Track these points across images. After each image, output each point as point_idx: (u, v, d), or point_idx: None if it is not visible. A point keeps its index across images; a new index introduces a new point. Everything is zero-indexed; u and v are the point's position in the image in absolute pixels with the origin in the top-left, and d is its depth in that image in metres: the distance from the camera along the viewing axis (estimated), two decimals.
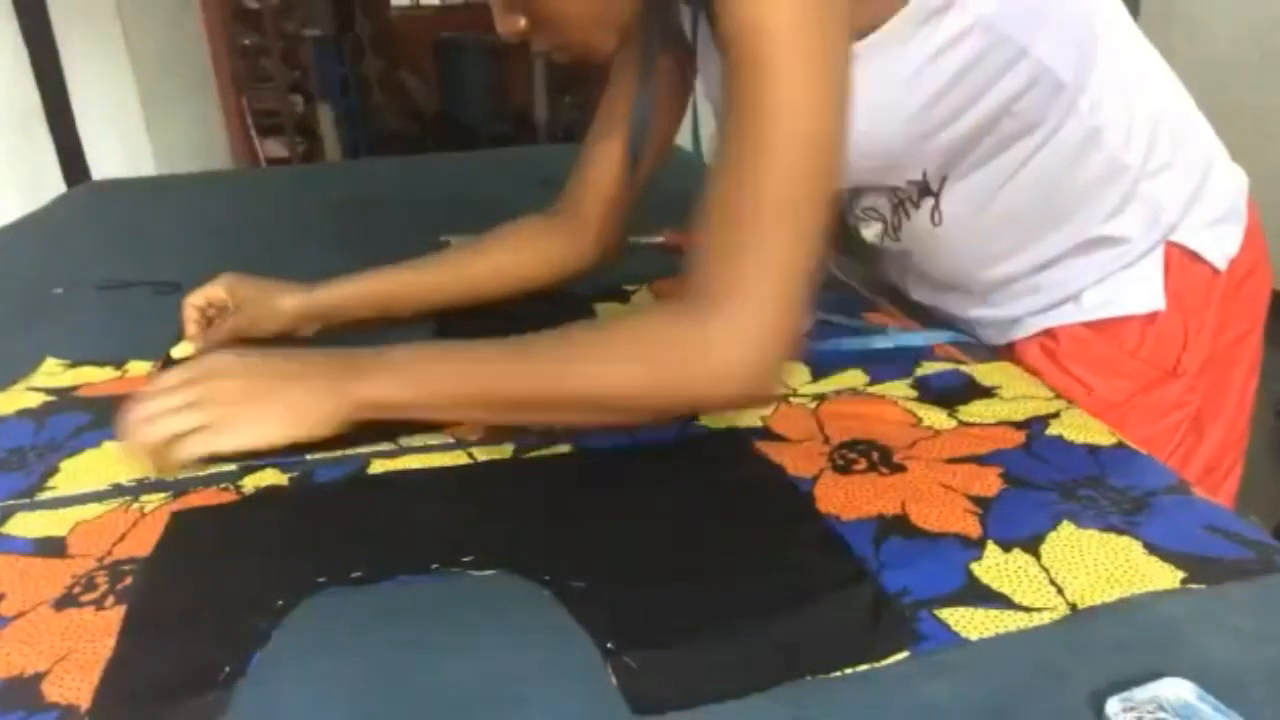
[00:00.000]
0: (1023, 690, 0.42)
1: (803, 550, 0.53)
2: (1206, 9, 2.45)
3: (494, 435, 0.67)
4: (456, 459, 0.65)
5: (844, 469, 0.61)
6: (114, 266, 1.13)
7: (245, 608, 0.49)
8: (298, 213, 1.43)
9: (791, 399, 0.71)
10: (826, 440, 0.65)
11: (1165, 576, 0.49)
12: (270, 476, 0.63)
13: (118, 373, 0.82)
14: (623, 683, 0.43)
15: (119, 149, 2.90)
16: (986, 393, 0.71)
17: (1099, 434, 0.64)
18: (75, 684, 0.45)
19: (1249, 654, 0.44)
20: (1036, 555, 0.52)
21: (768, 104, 0.54)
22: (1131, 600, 0.48)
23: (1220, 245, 0.74)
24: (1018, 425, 0.66)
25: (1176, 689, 0.40)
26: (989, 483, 0.59)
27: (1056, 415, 0.67)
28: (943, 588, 0.49)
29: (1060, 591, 0.48)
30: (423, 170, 1.82)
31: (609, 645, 0.46)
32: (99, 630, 0.48)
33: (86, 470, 0.65)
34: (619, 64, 0.80)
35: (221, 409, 0.61)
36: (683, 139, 0.97)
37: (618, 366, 0.58)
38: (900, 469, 0.61)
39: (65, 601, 0.51)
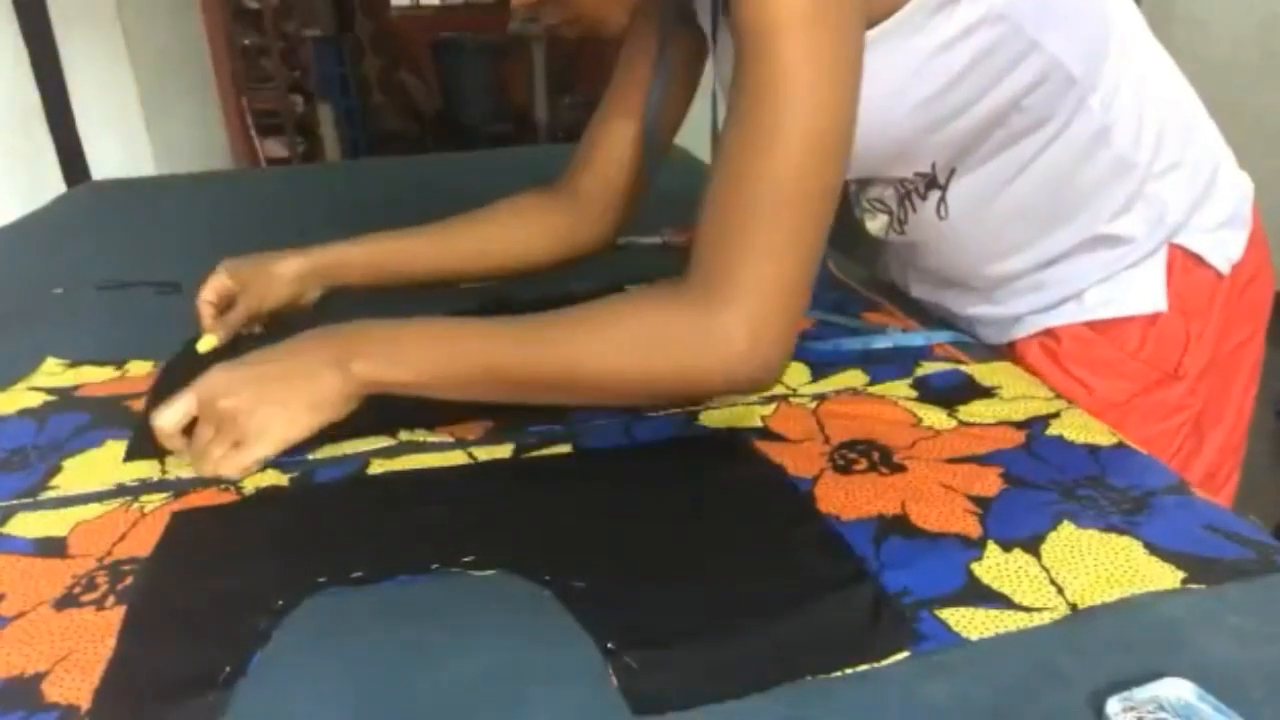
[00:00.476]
0: (1023, 690, 0.42)
1: (803, 550, 0.53)
2: (1206, 9, 2.45)
3: (494, 434, 0.67)
4: (456, 459, 0.65)
5: (844, 469, 0.61)
6: (114, 266, 1.13)
7: (245, 608, 0.49)
8: (298, 213, 1.43)
9: (791, 399, 0.71)
10: (827, 440, 0.65)
11: (1165, 576, 0.49)
12: (270, 476, 0.63)
13: (118, 372, 0.82)
14: (623, 683, 0.43)
15: (119, 149, 2.90)
16: (986, 393, 0.71)
17: (1099, 434, 0.64)
18: (75, 684, 0.45)
19: (1249, 654, 0.44)
20: (1037, 555, 0.52)
21: (775, 97, 0.55)
22: (1132, 600, 0.48)
23: (1224, 249, 0.74)
24: (1018, 425, 0.66)
25: (1177, 689, 0.40)
26: (989, 483, 0.59)
27: (1057, 415, 0.67)
28: (943, 588, 0.49)
29: (1060, 591, 0.49)
30: (423, 170, 1.82)
31: (609, 645, 0.46)
32: (99, 630, 0.48)
33: (88, 470, 0.65)
34: (629, 50, 0.81)
35: (243, 423, 0.60)
36: (687, 141, 0.97)
37: (625, 352, 0.59)
38: (900, 469, 0.61)
39: (66, 601, 0.51)
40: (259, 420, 0.60)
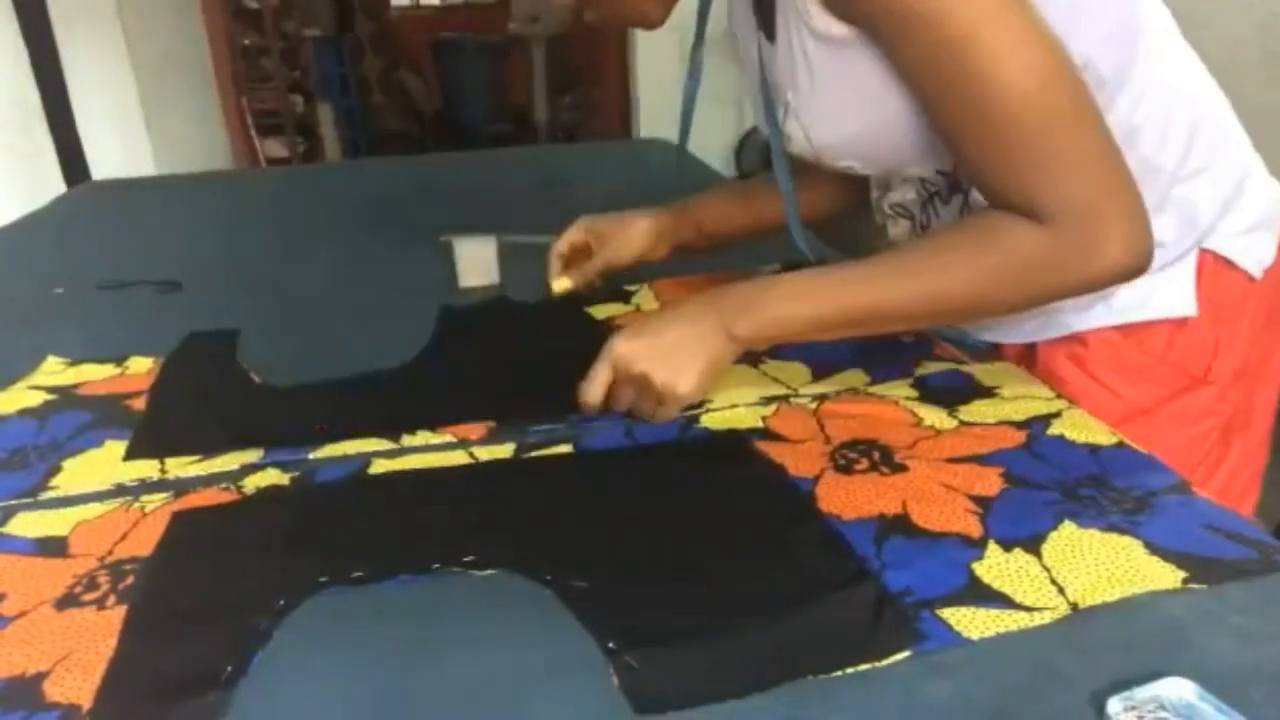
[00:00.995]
0: (1024, 690, 0.42)
1: (804, 550, 0.53)
2: (1207, 9, 2.45)
3: (495, 434, 0.67)
4: (457, 459, 0.65)
5: (845, 469, 0.61)
6: (114, 266, 1.13)
7: (246, 608, 0.49)
8: (298, 213, 1.43)
9: (792, 399, 0.71)
10: (827, 440, 0.65)
11: (1166, 576, 0.49)
12: (271, 476, 0.63)
13: (118, 369, 0.82)
14: (624, 682, 0.43)
15: (119, 149, 2.90)
16: (987, 392, 0.71)
17: (1100, 434, 0.64)
18: (76, 684, 0.45)
19: (1249, 654, 0.44)
20: (1038, 555, 0.52)
21: (964, 40, 0.57)
22: (1132, 600, 0.48)
23: (1255, 253, 0.72)
24: (1019, 425, 0.66)
25: (1177, 688, 0.40)
26: (990, 482, 0.59)
27: (1057, 415, 0.67)
28: (944, 587, 0.49)
29: (1061, 591, 0.48)
30: (423, 170, 1.82)
31: (611, 645, 0.46)
32: (100, 630, 0.48)
33: (88, 470, 0.65)
34: None
35: (655, 384, 0.66)
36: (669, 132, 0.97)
37: (1003, 289, 0.63)
38: (901, 469, 0.61)
39: (66, 601, 0.51)
40: (665, 380, 0.66)
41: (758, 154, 3.63)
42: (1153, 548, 0.51)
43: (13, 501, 0.61)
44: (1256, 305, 0.73)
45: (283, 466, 0.64)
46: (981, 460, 0.62)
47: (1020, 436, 0.64)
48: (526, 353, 0.83)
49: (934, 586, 0.49)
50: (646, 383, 0.66)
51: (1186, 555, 0.51)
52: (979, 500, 0.57)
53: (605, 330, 0.84)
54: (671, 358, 0.66)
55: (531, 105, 5.14)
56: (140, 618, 0.49)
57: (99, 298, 1.04)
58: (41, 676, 0.45)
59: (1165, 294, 0.71)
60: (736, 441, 0.66)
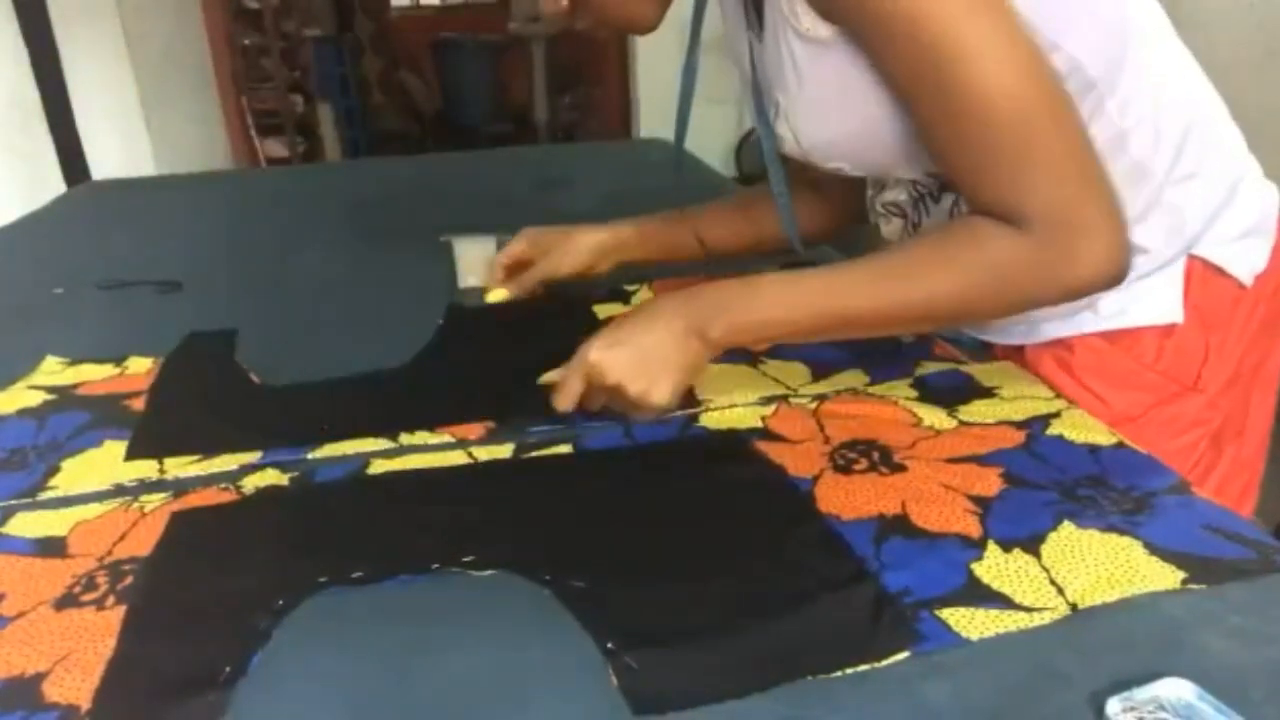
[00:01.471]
0: (1023, 690, 0.42)
1: (803, 550, 0.53)
2: (1207, 9, 2.45)
3: (494, 434, 0.67)
4: (456, 459, 0.65)
5: (844, 469, 0.61)
6: (114, 266, 1.13)
7: (245, 608, 0.49)
8: (298, 213, 1.43)
9: (791, 399, 0.71)
10: (827, 440, 0.65)
11: (1166, 577, 0.49)
12: (270, 476, 0.63)
13: (118, 369, 0.82)
14: (623, 683, 0.43)
15: (119, 149, 2.90)
16: (987, 393, 0.71)
17: (1099, 434, 0.64)
18: (76, 684, 0.45)
19: (1249, 654, 0.44)
20: (1037, 555, 0.52)
21: (948, 52, 0.56)
22: (1132, 600, 0.48)
23: (1246, 260, 0.72)
24: (1018, 425, 0.66)
25: (1177, 689, 0.40)
26: (989, 482, 0.59)
27: (1057, 415, 0.67)
28: (943, 588, 0.49)
29: (1061, 591, 0.48)
30: (423, 170, 1.82)
31: (610, 645, 0.46)
32: (99, 630, 0.48)
33: (87, 470, 0.65)
34: None
35: (629, 393, 0.65)
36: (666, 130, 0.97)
37: (980, 293, 0.62)
38: (901, 469, 0.61)
39: (66, 601, 0.51)
40: (639, 391, 0.65)
41: (758, 154, 3.63)
42: (1152, 548, 0.51)
43: (12, 502, 0.61)
44: (1249, 312, 0.73)
45: (282, 466, 0.64)
46: (981, 460, 0.62)
47: (1020, 437, 0.64)
48: (526, 353, 0.83)
49: (933, 587, 0.49)
50: (620, 392, 0.65)
51: (1186, 556, 0.51)
52: (978, 500, 0.57)
53: None
54: (646, 367, 0.65)
55: (531, 105, 5.14)
56: (139, 618, 0.49)
57: (99, 298, 1.04)
58: (40, 677, 0.45)
59: (1152, 300, 0.71)
60: (736, 441, 0.66)
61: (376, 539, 0.56)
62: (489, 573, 0.52)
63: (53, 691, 0.44)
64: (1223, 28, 2.39)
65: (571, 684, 0.44)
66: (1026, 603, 0.48)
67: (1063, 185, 0.58)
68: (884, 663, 0.44)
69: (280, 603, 0.50)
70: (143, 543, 0.56)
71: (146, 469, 0.65)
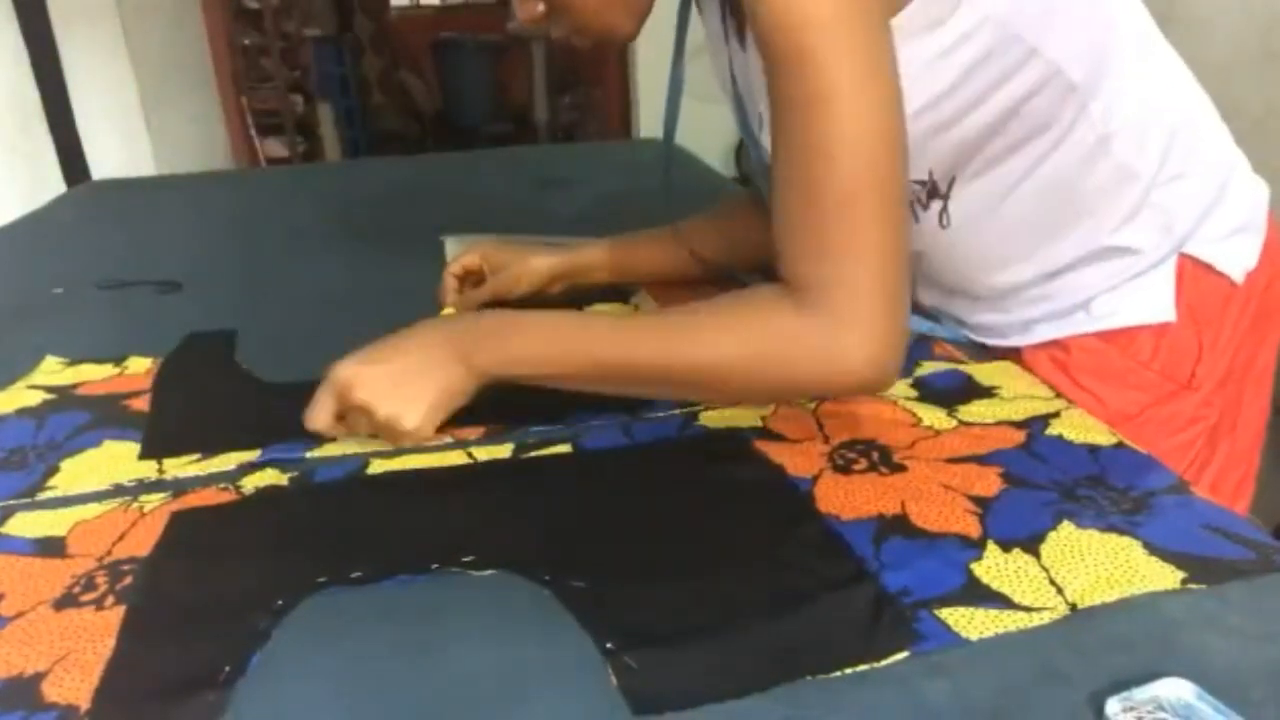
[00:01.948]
0: (1023, 690, 0.42)
1: (803, 550, 0.53)
2: (1207, 9, 2.45)
3: (494, 434, 0.67)
4: (456, 459, 0.65)
5: (844, 469, 0.61)
6: (114, 266, 1.13)
7: (245, 608, 0.49)
8: (298, 213, 1.43)
9: None
10: (826, 440, 0.65)
11: (1165, 576, 0.49)
12: (270, 476, 0.63)
13: (117, 369, 0.82)
14: (623, 683, 0.43)
15: (119, 149, 2.90)
16: (986, 392, 0.71)
17: (1099, 434, 0.64)
18: (75, 684, 0.45)
19: (1249, 654, 0.44)
20: (1036, 555, 0.52)
21: (819, 96, 0.54)
22: (1131, 600, 0.48)
23: (1237, 258, 0.72)
24: (1018, 425, 0.66)
25: (1176, 689, 0.40)
26: (989, 482, 0.59)
27: (1057, 415, 0.67)
28: (943, 588, 0.49)
29: (1060, 591, 0.48)
30: (423, 170, 1.82)
31: (609, 645, 0.46)
32: (99, 630, 0.48)
33: (87, 470, 0.65)
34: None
35: (377, 415, 0.62)
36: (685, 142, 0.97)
37: (743, 362, 0.59)
38: (900, 469, 0.61)
39: (65, 601, 0.51)
40: (388, 414, 0.62)
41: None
42: (1152, 548, 0.51)
43: (11, 501, 0.61)
44: (1241, 309, 0.73)
45: (281, 466, 0.64)
46: (980, 460, 0.62)
47: (1019, 437, 0.64)
48: None
49: (932, 587, 0.49)
50: (369, 413, 0.62)
51: (1185, 555, 0.51)
52: (978, 500, 0.57)
53: None
54: (397, 389, 0.62)
55: (531, 105, 5.14)
56: (139, 618, 0.49)
57: (99, 298, 1.04)
58: (40, 677, 0.45)
59: (1145, 300, 0.71)
60: (735, 441, 0.66)
61: (376, 539, 0.56)
62: (488, 573, 0.52)
63: (52, 691, 0.44)
64: (1223, 28, 2.39)
65: (571, 684, 0.44)
66: (1026, 603, 0.48)
67: (856, 269, 0.56)
68: (883, 662, 0.44)
69: (280, 603, 0.50)
70: (142, 543, 0.56)
71: (145, 469, 0.65)
